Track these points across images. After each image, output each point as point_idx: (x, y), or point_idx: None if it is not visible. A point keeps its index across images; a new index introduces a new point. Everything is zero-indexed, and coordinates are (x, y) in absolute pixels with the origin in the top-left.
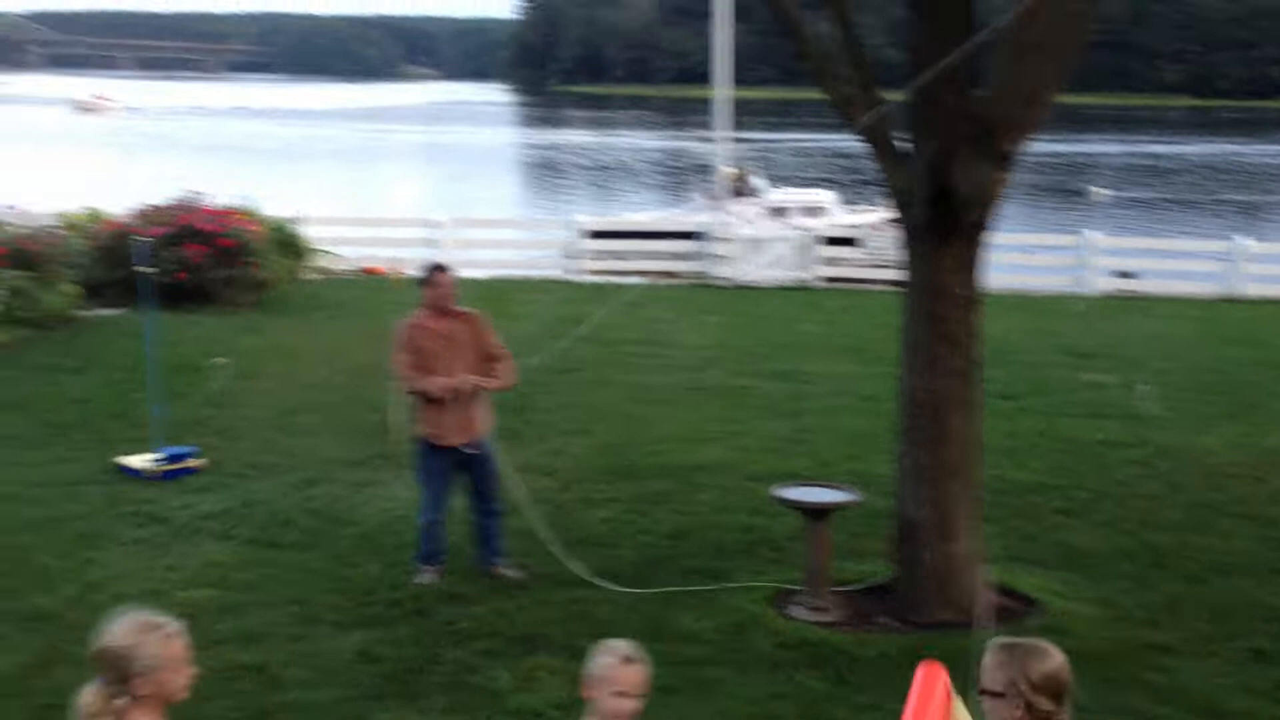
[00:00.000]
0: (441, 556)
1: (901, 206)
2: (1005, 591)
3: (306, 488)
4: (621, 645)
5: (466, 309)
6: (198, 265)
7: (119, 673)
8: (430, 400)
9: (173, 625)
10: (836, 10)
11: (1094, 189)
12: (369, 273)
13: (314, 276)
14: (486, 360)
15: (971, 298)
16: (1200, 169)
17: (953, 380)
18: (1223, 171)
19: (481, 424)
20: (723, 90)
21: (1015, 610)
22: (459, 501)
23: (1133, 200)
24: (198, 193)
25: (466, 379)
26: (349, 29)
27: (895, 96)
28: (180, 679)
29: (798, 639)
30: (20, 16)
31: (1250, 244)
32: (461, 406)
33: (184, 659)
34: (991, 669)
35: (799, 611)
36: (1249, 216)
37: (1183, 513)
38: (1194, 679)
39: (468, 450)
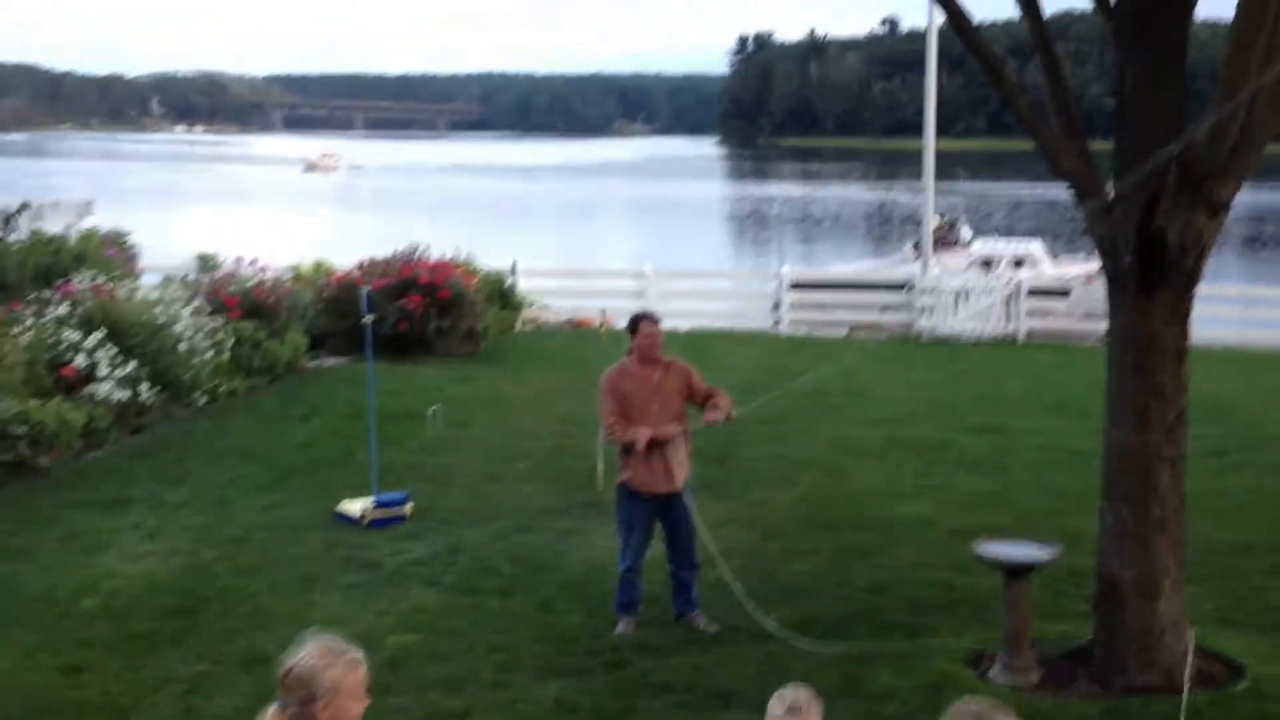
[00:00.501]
0: (637, 606)
1: (1108, 255)
2: (1210, 655)
3: (513, 535)
4: (790, 694)
5: (672, 358)
6: (418, 316)
7: (301, 695)
8: (632, 448)
9: (356, 653)
10: (1045, 57)
11: None
12: (579, 325)
13: (526, 327)
14: (699, 402)
15: (1181, 350)
16: None
17: (1160, 435)
18: None
19: (682, 473)
20: (931, 141)
21: (1219, 676)
22: (658, 550)
23: None
24: (418, 246)
25: (669, 429)
26: (567, 87)
27: (1104, 145)
28: (357, 708)
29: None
30: (262, 80)
31: None
32: (663, 455)
33: (363, 688)
34: None
35: (997, 674)
36: None
37: None
38: None
39: (666, 498)
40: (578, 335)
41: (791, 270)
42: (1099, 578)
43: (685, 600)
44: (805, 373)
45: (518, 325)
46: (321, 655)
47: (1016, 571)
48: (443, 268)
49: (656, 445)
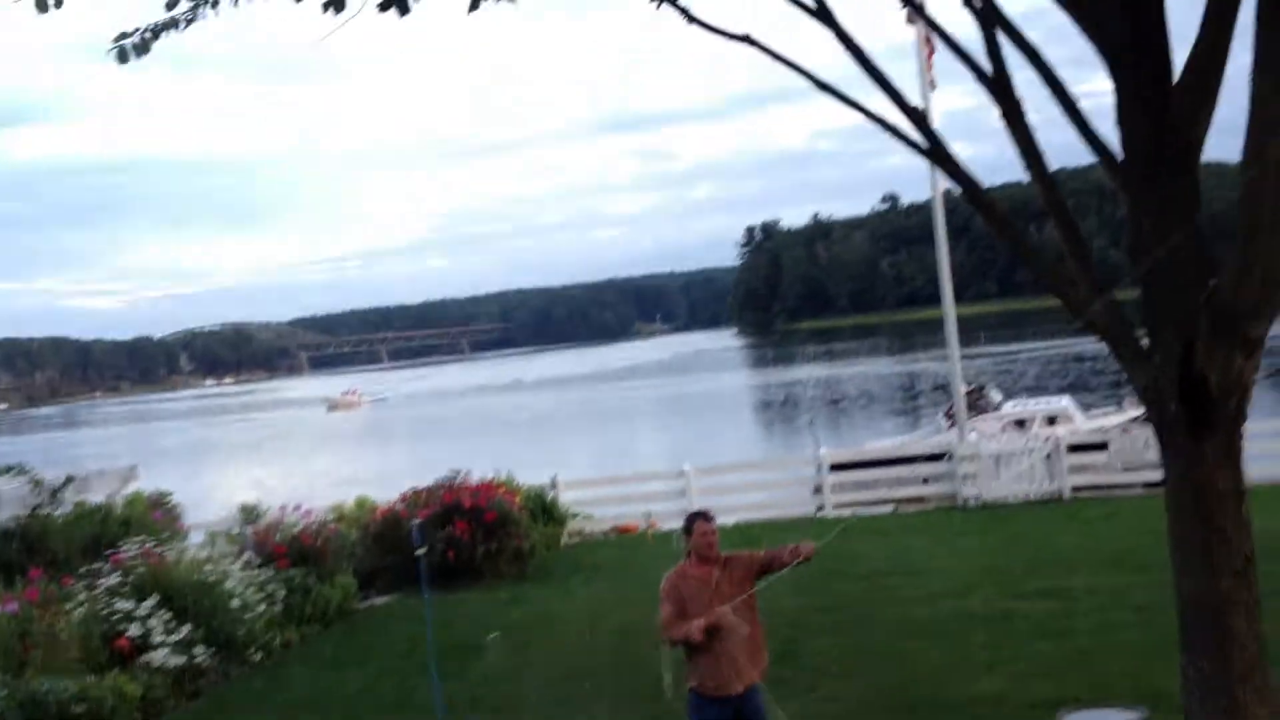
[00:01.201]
0: None
1: (1152, 404)
2: None
3: None
4: None
5: (730, 553)
6: (465, 542)
7: None
8: (699, 650)
9: None
10: (1060, 218)
11: None
12: (622, 531)
13: (572, 540)
14: (775, 568)
15: (1239, 490)
16: None
17: (1230, 581)
18: None
19: (755, 669)
20: (950, 308)
21: None
22: None
23: None
24: (459, 471)
25: (724, 611)
26: (584, 295)
27: (1125, 296)
28: None
29: None
30: (286, 325)
31: None
32: (730, 652)
33: None
34: None
35: None
36: None
37: None
38: None
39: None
40: (623, 542)
41: (830, 452)
42: None
43: None
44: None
45: (563, 539)
46: None
47: None
48: (485, 489)
49: (717, 639)
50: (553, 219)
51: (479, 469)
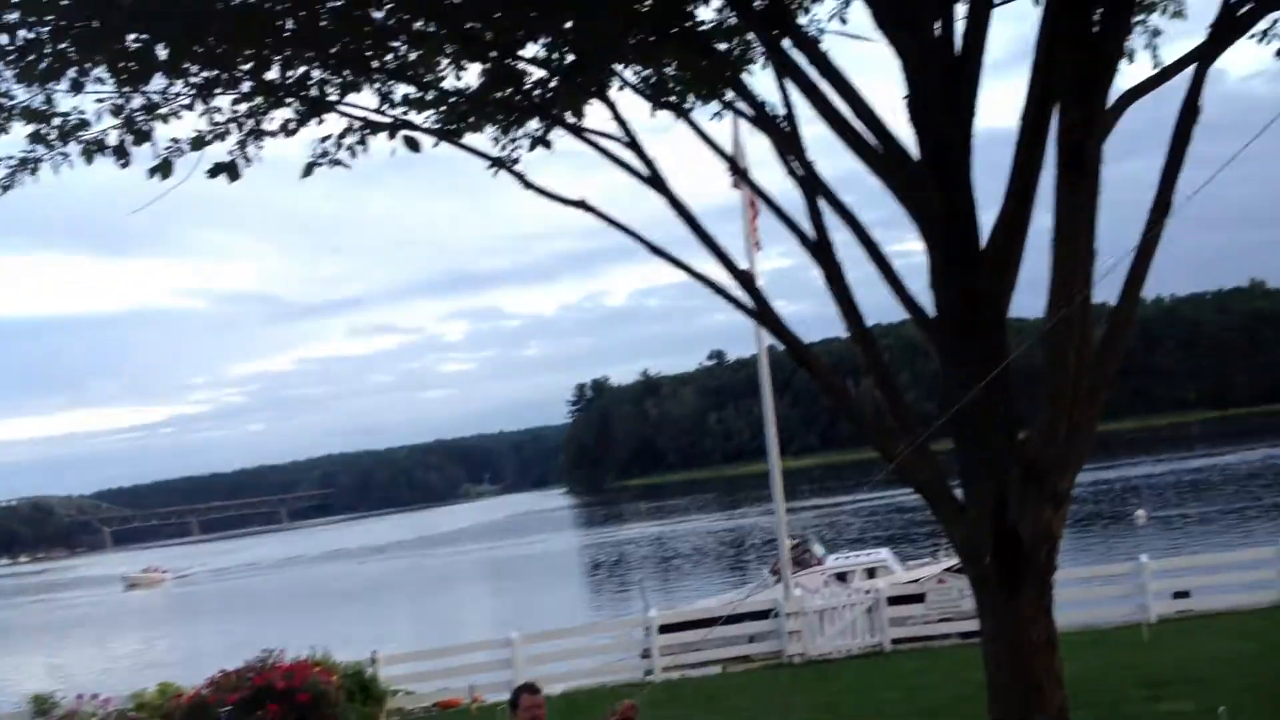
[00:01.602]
0: None
1: (967, 558)
2: None
3: None
4: None
5: None
6: None
7: None
8: None
9: None
10: (875, 371)
11: (1138, 513)
12: (445, 706)
13: (392, 719)
14: None
15: (1051, 641)
16: (1235, 478)
17: None
18: (1251, 476)
19: None
20: (776, 464)
21: None
22: None
23: (1177, 517)
24: (271, 651)
25: None
26: (409, 458)
27: (942, 447)
28: None
29: None
30: (87, 498)
31: None
32: None
33: None
34: None
35: None
36: None
37: None
38: None
39: None
40: (447, 718)
41: (658, 613)
42: None
43: None
44: None
45: (382, 718)
46: None
47: None
48: (299, 669)
49: None
50: (380, 380)
51: (294, 647)
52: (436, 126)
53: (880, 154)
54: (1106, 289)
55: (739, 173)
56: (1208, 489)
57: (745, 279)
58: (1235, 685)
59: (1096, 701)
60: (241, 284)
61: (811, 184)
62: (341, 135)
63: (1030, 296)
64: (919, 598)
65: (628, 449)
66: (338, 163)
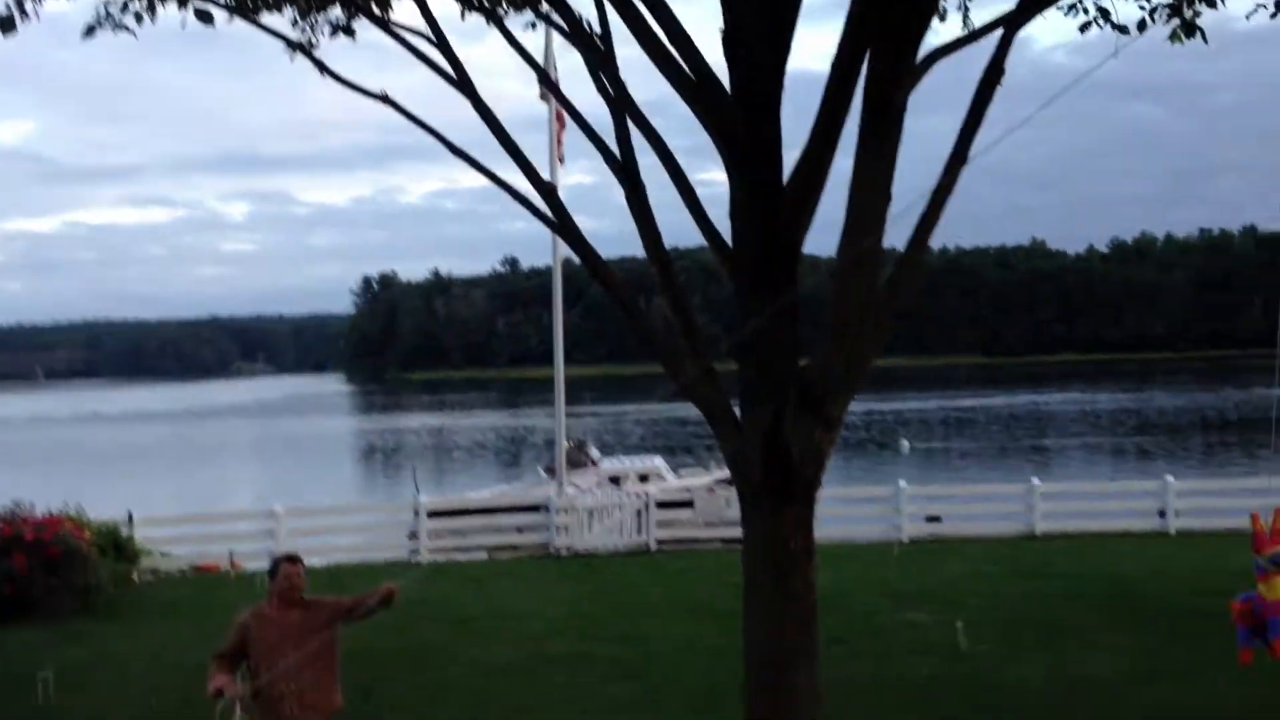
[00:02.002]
0: None
1: (738, 470)
2: None
3: None
4: None
5: (315, 597)
6: (24, 576)
7: None
8: (258, 692)
9: None
10: (673, 296)
11: (902, 442)
12: (202, 570)
13: (146, 578)
14: (359, 615)
15: (809, 550)
16: (998, 419)
17: (795, 633)
18: (1014, 419)
19: (317, 715)
20: (560, 369)
21: None
22: None
23: (939, 450)
24: (19, 503)
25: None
26: (181, 332)
27: (725, 367)
28: None
29: None
30: None
31: (1040, 484)
32: (294, 693)
33: None
34: None
35: None
36: (1040, 459)
37: None
38: None
39: None
40: (203, 582)
41: (429, 499)
42: None
43: None
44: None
45: (136, 577)
46: None
47: None
48: (50, 523)
49: (269, 685)
50: (154, 251)
51: (46, 503)
52: (232, 1)
53: (693, 82)
54: (897, 234)
55: (549, 85)
56: (971, 427)
57: (547, 191)
58: (973, 604)
59: (846, 609)
60: (10, 141)
61: (621, 105)
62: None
63: (825, 235)
64: (688, 504)
65: (412, 344)
66: (123, 27)
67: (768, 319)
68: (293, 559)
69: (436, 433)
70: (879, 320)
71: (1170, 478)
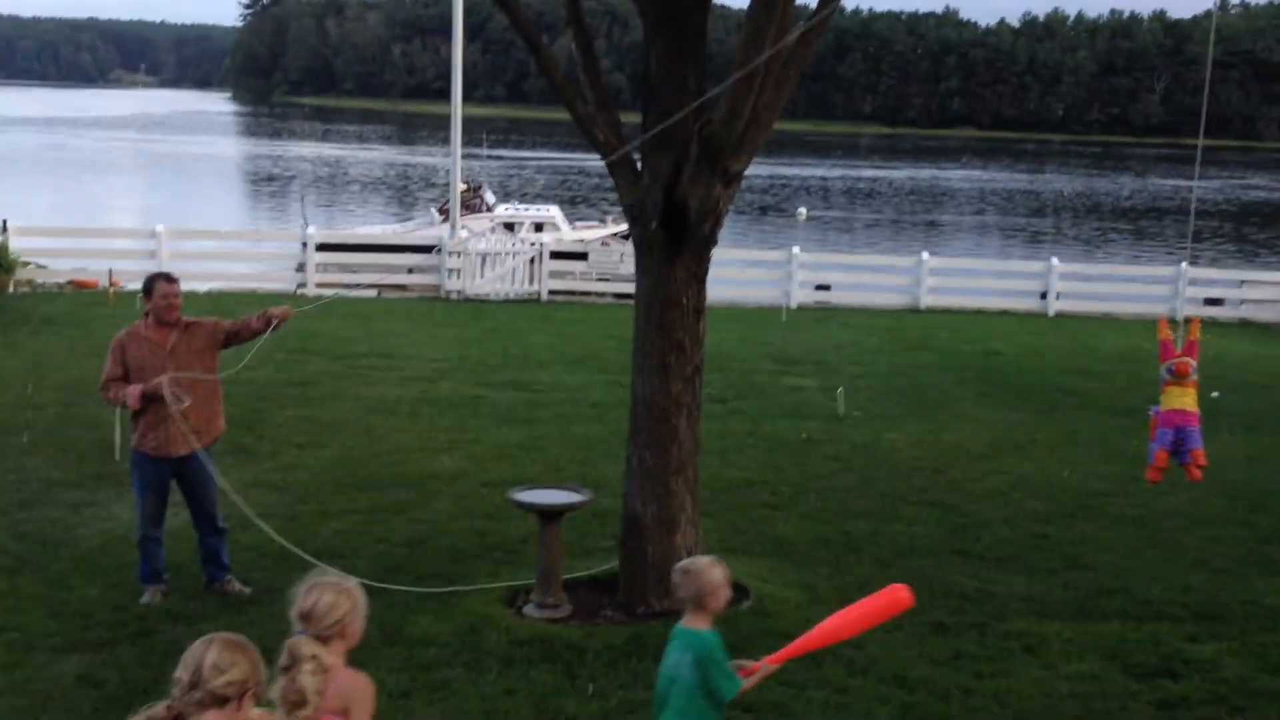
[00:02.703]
0: (162, 574)
1: (635, 220)
2: None
3: (17, 511)
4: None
5: (194, 318)
6: None
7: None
8: (142, 411)
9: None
10: (579, 35)
11: (800, 209)
12: (80, 286)
13: (20, 290)
14: (243, 338)
15: (699, 307)
16: (900, 192)
17: (680, 385)
18: (913, 193)
19: (204, 435)
20: (459, 107)
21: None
22: (187, 518)
23: (838, 219)
24: None
25: (160, 382)
26: (57, 31)
27: (629, 117)
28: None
29: (530, 636)
30: None
31: (929, 259)
32: (173, 416)
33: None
34: None
35: (531, 610)
36: (932, 234)
37: (874, 503)
38: (883, 651)
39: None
40: (80, 298)
41: (319, 231)
42: (624, 516)
43: (217, 566)
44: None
45: (9, 288)
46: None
47: (550, 515)
48: None
49: (159, 403)
50: None
51: None
52: None
53: None
54: None
55: None
56: (870, 198)
57: None
58: (854, 372)
59: (731, 369)
60: None
61: None
62: None
63: None
64: (582, 255)
65: (301, 66)
66: None
67: (672, 56)
68: (169, 278)
69: (328, 163)
70: (783, 76)
71: (1055, 260)
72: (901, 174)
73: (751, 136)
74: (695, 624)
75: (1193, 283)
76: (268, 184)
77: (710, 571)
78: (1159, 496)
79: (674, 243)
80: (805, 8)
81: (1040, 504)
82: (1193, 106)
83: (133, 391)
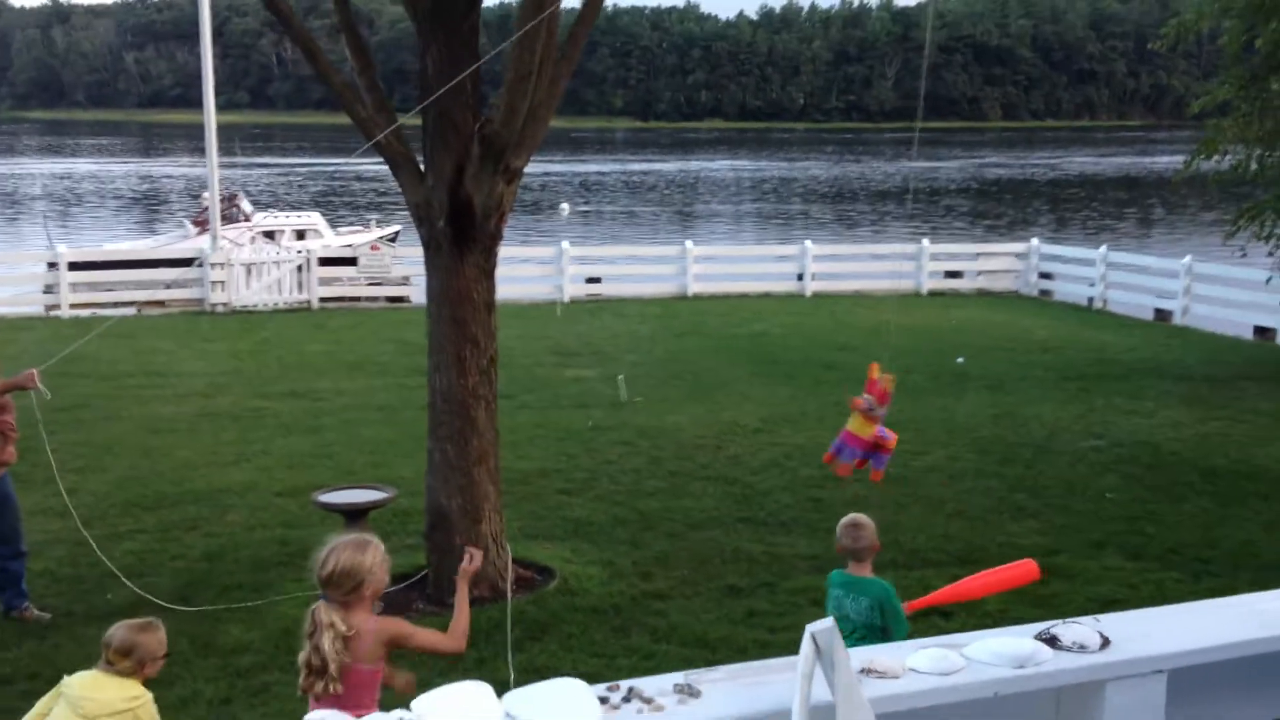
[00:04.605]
0: None
1: (421, 220)
2: (524, 565)
3: None
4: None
5: None
6: None
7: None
8: None
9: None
10: (352, 40)
11: (563, 205)
12: None
13: None
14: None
15: (490, 302)
16: (663, 183)
17: (476, 378)
18: (675, 183)
19: (5, 455)
20: (212, 114)
21: (534, 579)
22: None
23: (596, 212)
24: None
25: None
26: None
27: (409, 119)
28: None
29: None
30: None
31: (693, 247)
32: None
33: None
34: None
35: None
36: (688, 223)
37: (663, 481)
38: (684, 617)
39: None
40: None
41: (69, 250)
42: (429, 509)
43: (16, 593)
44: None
45: None
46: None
47: (354, 515)
48: None
49: None
50: None
51: None
52: None
53: None
54: None
55: None
56: (632, 191)
57: None
58: (631, 360)
59: (514, 364)
60: None
61: None
62: None
63: None
64: (351, 261)
65: (27, 79)
66: None
67: (447, 59)
68: None
69: (64, 180)
70: (556, 74)
71: (809, 243)
72: (655, 165)
73: (530, 134)
74: (862, 572)
75: (934, 258)
76: (6, 205)
77: (872, 526)
78: (918, 455)
79: (461, 240)
80: (571, 9)
81: (813, 471)
82: (923, 90)
83: None
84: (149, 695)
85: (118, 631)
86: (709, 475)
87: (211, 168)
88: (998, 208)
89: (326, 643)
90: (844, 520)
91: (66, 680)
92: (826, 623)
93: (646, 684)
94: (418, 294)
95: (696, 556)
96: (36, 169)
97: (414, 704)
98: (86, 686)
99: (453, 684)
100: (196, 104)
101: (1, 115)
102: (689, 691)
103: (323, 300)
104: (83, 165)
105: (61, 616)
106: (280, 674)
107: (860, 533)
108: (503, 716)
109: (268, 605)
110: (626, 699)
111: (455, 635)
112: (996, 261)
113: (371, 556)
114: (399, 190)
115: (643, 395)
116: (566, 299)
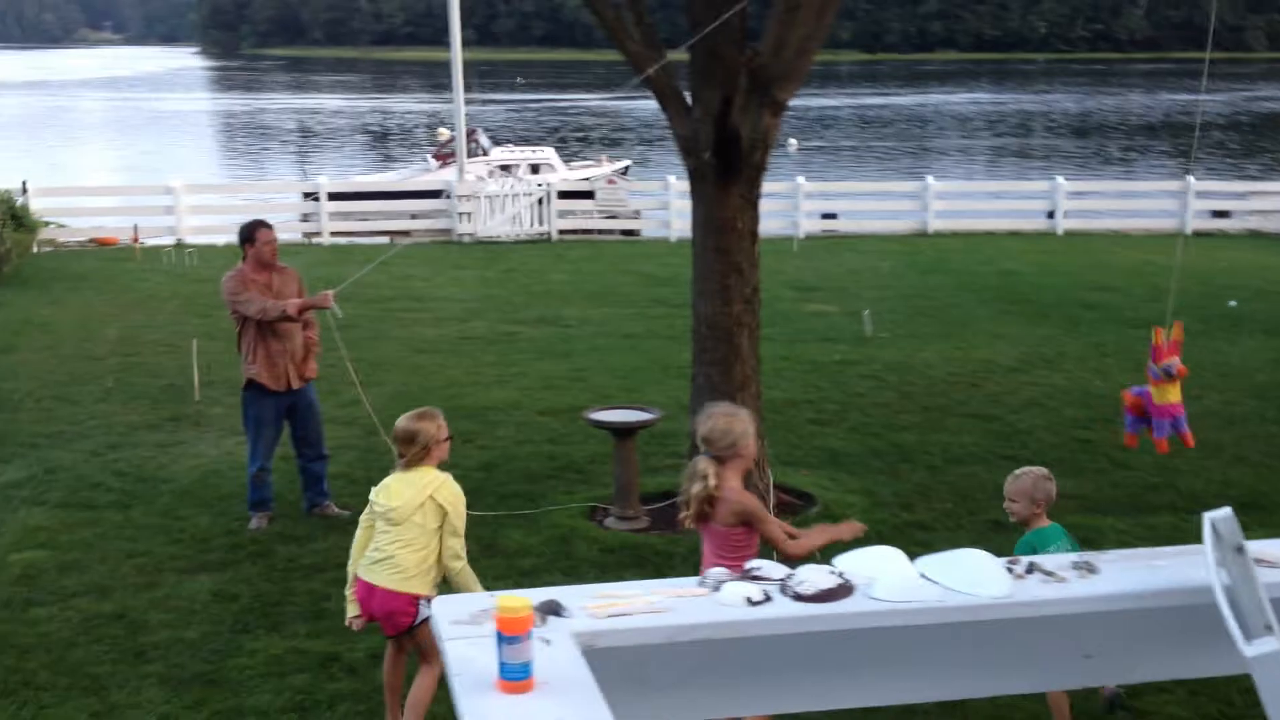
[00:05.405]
0: (269, 503)
1: (687, 152)
2: (785, 490)
3: (108, 452)
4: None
5: (284, 264)
6: None
7: (724, 444)
8: (257, 349)
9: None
10: None
11: (790, 140)
12: (102, 244)
13: (44, 249)
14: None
15: (754, 231)
16: (895, 118)
17: (740, 306)
18: (911, 119)
19: (310, 366)
20: (458, 52)
21: (796, 504)
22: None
23: (829, 148)
24: None
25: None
26: None
27: (677, 54)
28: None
29: (617, 544)
30: None
31: (935, 183)
32: (287, 351)
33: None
34: None
35: (613, 522)
36: (921, 160)
37: (917, 416)
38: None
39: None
40: (104, 255)
41: (328, 181)
42: (693, 432)
43: (318, 492)
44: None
45: (34, 248)
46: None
47: (624, 433)
48: None
49: (278, 339)
50: None
51: None
52: None
53: None
54: None
55: None
56: (870, 124)
57: None
58: (873, 297)
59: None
60: None
61: None
62: None
63: None
64: (589, 194)
65: (268, 17)
66: None
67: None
68: (267, 224)
69: (310, 114)
70: (826, 5)
71: (1060, 179)
72: (890, 100)
73: (798, 66)
74: (1044, 523)
75: (1199, 195)
76: (250, 138)
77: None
78: (1193, 400)
79: (728, 170)
80: None
81: (1078, 411)
82: (1176, 20)
83: (294, 304)
84: (445, 476)
85: (400, 422)
86: (965, 412)
87: (459, 103)
88: (1266, 143)
89: (696, 488)
90: (1038, 472)
91: (372, 499)
92: (1225, 511)
93: (1045, 560)
94: (650, 228)
95: (958, 491)
96: (285, 104)
97: (835, 561)
98: (389, 496)
99: (869, 548)
100: (426, 41)
101: (245, 52)
102: (1088, 568)
103: (561, 232)
104: (329, 101)
105: (358, 513)
106: (560, 576)
107: (1047, 483)
108: (918, 577)
109: (543, 514)
110: (1029, 571)
111: (800, 545)
112: (1269, 201)
113: (743, 425)
114: (625, 127)
115: (888, 331)
116: (802, 235)
